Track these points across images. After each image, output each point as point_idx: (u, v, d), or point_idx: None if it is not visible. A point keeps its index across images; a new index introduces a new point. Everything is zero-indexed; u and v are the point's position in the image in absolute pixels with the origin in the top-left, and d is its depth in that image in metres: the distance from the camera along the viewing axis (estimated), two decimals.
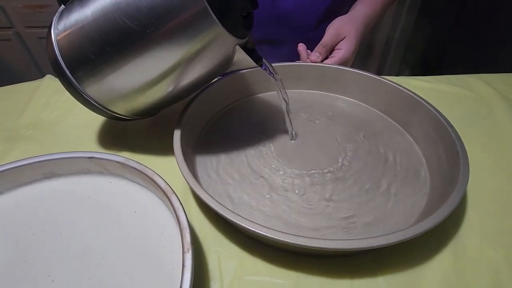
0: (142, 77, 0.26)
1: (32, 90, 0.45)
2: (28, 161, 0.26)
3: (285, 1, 0.49)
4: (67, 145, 0.36)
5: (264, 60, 0.30)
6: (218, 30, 0.24)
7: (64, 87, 0.28)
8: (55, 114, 0.41)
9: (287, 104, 0.34)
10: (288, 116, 0.34)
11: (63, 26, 0.26)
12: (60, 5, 0.27)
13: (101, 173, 0.28)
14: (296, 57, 0.46)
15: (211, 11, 0.23)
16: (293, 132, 0.35)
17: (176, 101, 0.31)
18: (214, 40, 0.25)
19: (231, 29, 0.24)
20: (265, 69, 0.31)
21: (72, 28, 0.25)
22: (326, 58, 0.44)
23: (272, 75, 0.31)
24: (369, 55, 1.18)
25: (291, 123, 0.34)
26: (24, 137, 0.37)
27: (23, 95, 0.44)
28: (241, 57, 0.27)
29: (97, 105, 0.29)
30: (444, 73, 0.47)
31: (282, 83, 0.32)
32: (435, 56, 1.02)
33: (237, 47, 0.26)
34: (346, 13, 0.50)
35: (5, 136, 0.37)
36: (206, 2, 0.22)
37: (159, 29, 0.23)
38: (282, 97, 0.33)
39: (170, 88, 0.28)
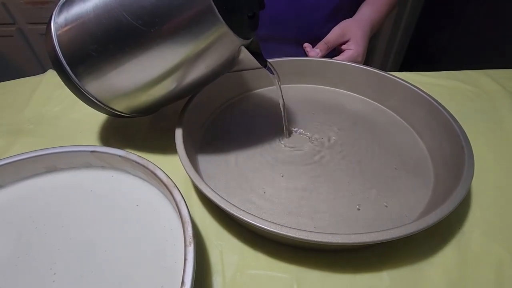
0: (145, 76, 0.26)
1: (34, 84, 0.45)
2: (30, 154, 0.26)
3: (291, 0, 0.48)
4: (69, 140, 0.36)
5: (267, 62, 0.30)
6: (223, 29, 0.23)
7: (64, 82, 0.28)
8: (57, 109, 0.41)
9: (284, 104, 0.33)
10: (284, 115, 0.34)
11: (64, 20, 0.25)
12: None
13: (103, 167, 0.28)
14: (301, 55, 0.46)
15: (216, 10, 0.22)
16: (294, 129, 0.35)
17: (178, 99, 0.31)
18: (219, 39, 0.24)
19: (236, 29, 0.24)
20: (269, 70, 0.30)
21: (73, 23, 0.25)
22: (332, 57, 0.44)
23: (274, 76, 0.31)
24: (372, 52, 1.17)
25: (286, 122, 0.34)
26: (26, 131, 0.37)
27: (25, 90, 0.44)
28: (246, 58, 0.27)
29: (97, 102, 0.28)
30: (448, 69, 0.47)
31: (279, 85, 0.32)
32: (439, 52, 1.01)
33: (242, 47, 0.26)
34: (352, 14, 0.49)
35: (7, 130, 0.37)
36: (212, 1, 0.22)
37: (163, 28, 0.23)
38: (281, 97, 0.33)
39: (173, 87, 0.28)
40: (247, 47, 0.27)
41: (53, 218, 0.24)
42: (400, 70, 0.46)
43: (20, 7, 1.03)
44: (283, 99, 0.33)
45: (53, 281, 0.21)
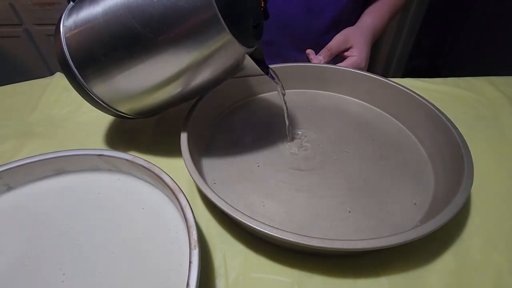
0: (151, 80, 0.27)
1: (42, 87, 0.46)
2: (40, 157, 0.27)
3: (293, 7, 0.49)
4: (77, 142, 0.37)
5: (270, 69, 0.31)
6: (227, 38, 0.24)
7: (71, 84, 0.29)
8: (65, 111, 0.42)
9: (287, 111, 0.34)
10: (288, 121, 0.34)
11: (73, 23, 0.26)
12: (69, 2, 0.28)
13: (110, 170, 0.28)
14: (304, 61, 0.47)
15: (222, 20, 0.23)
16: (297, 134, 0.36)
17: (182, 102, 0.32)
18: (223, 48, 0.25)
19: (241, 38, 0.25)
20: (271, 77, 0.31)
21: (82, 27, 0.26)
22: (335, 63, 0.44)
23: (277, 83, 0.32)
24: (374, 58, 1.17)
25: (290, 127, 0.35)
26: (36, 133, 0.38)
27: (34, 92, 0.45)
28: (249, 65, 0.28)
29: (103, 104, 0.29)
30: (450, 75, 0.47)
31: (283, 92, 0.33)
32: (441, 59, 1.02)
33: (246, 55, 0.27)
34: (354, 21, 0.50)
35: (17, 132, 0.38)
36: (217, 11, 0.22)
37: (170, 36, 0.23)
38: (284, 102, 0.34)
39: (177, 92, 0.28)
40: (251, 55, 0.27)
41: (62, 220, 0.25)
42: (403, 77, 0.47)
43: (27, 8, 1.04)
44: (286, 106, 0.33)
45: (62, 281, 0.21)
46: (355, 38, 0.46)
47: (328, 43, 0.46)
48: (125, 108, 0.30)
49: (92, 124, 0.39)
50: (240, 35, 0.24)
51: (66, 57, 0.27)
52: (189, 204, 0.22)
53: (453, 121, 0.31)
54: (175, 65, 0.25)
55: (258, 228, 0.22)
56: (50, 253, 0.23)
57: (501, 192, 0.30)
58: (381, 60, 1.18)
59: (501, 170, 0.33)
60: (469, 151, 0.28)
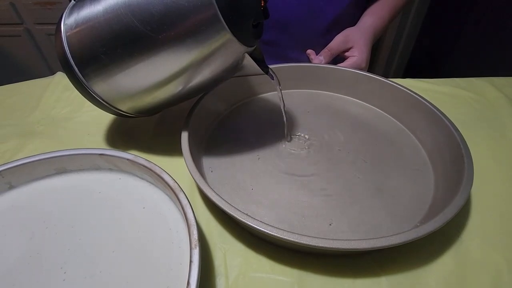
0: (150, 79, 0.27)
1: (43, 87, 0.46)
2: (41, 157, 0.27)
3: (294, 7, 0.49)
4: (78, 142, 0.37)
5: (269, 68, 0.31)
6: (227, 37, 0.24)
7: (71, 82, 0.29)
8: (65, 111, 0.42)
9: (285, 110, 0.34)
10: (286, 120, 0.35)
11: (74, 22, 0.26)
12: (70, 1, 0.28)
13: (111, 169, 0.29)
14: (305, 61, 0.47)
15: (222, 19, 0.23)
16: (297, 134, 0.36)
17: (182, 101, 0.32)
18: (223, 47, 0.25)
19: (241, 37, 0.25)
20: (271, 77, 0.31)
21: (83, 25, 0.26)
22: (335, 63, 0.45)
23: (276, 82, 0.32)
24: (375, 59, 1.17)
25: (287, 127, 0.35)
26: (37, 133, 0.38)
27: (35, 92, 0.45)
28: (249, 64, 0.28)
29: (103, 102, 0.29)
30: (451, 76, 0.47)
31: (280, 91, 0.33)
32: (442, 59, 1.02)
33: (246, 54, 0.27)
34: (355, 21, 0.50)
35: (19, 131, 0.38)
36: (218, 10, 0.23)
37: (171, 34, 0.23)
38: (282, 102, 0.34)
39: (177, 90, 0.28)
40: (250, 54, 0.27)
41: (63, 219, 0.25)
42: (403, 77, 0.47)
43: (28, 7, 1.04)
44: (284, 105, 0.34)
45: (63, 280, 0.22)
46: (355, 39, 0.46)
47: (328, 43, 0.46)
48: (125, 106, 0.30)
49: (92, 124, 0.39)
50: (240, 34, 0.25)
51: (67, 55, 0.27)
52: (190, 204, 0.23)
53: (453, 121, 0.31)
54: (175, 64, 0.26)
55: (258, 227, 0.22)
56: (51, 252, 0.23)
57: (501, 192, 0.30)
58: (382, 61, 1.18)
59: (501, 170, 0.33)
60: (469, 151, 0.28)
